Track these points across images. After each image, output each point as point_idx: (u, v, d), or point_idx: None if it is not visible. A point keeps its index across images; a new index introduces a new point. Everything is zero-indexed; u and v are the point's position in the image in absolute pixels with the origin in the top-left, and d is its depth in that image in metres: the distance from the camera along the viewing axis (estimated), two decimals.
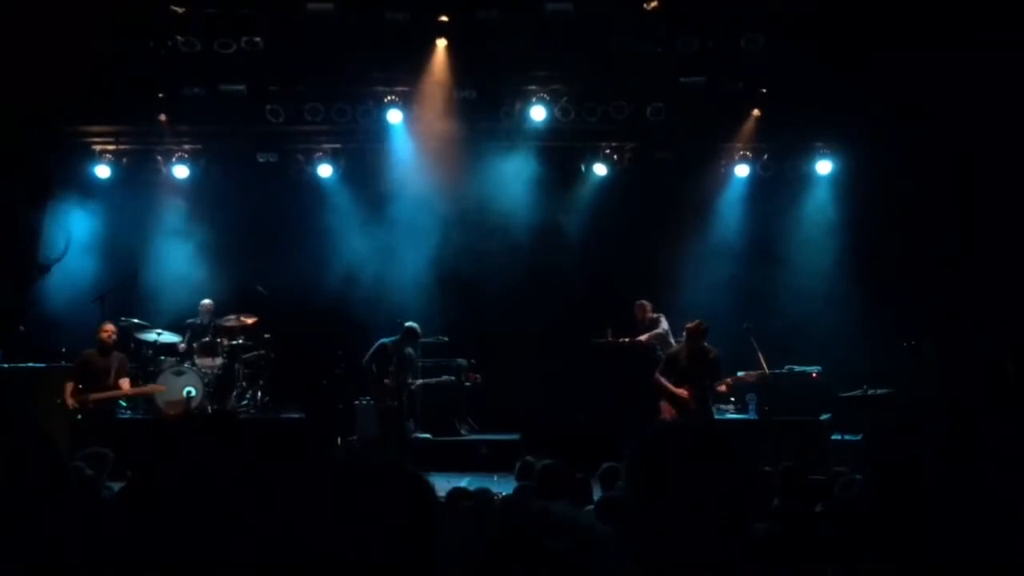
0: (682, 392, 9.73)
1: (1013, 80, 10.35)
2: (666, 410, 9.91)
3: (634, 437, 1.97)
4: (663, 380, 9.88)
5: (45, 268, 11.73)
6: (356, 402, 11.55)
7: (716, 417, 10.71)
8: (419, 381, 11.62)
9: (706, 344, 9.81)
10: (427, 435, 11.71)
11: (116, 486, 4.71)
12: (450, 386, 12.02)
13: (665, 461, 1.90)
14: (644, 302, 12.09)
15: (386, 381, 10.85)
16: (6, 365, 10.62)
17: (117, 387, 10.05)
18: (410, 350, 11.10)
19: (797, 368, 11.22)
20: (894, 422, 10.12)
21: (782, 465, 5.95)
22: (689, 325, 9.89)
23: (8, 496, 1.86)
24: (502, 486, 7.71)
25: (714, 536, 1.83)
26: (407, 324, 10.98)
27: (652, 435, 1.96)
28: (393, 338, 10.96)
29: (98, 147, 12.97)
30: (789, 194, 13.06)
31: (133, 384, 10.45)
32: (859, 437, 10.47)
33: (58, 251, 11.97)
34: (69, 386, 9.71)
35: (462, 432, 11.99)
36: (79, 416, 9.67)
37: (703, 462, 1.87)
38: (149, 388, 10.88)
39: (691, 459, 1.87)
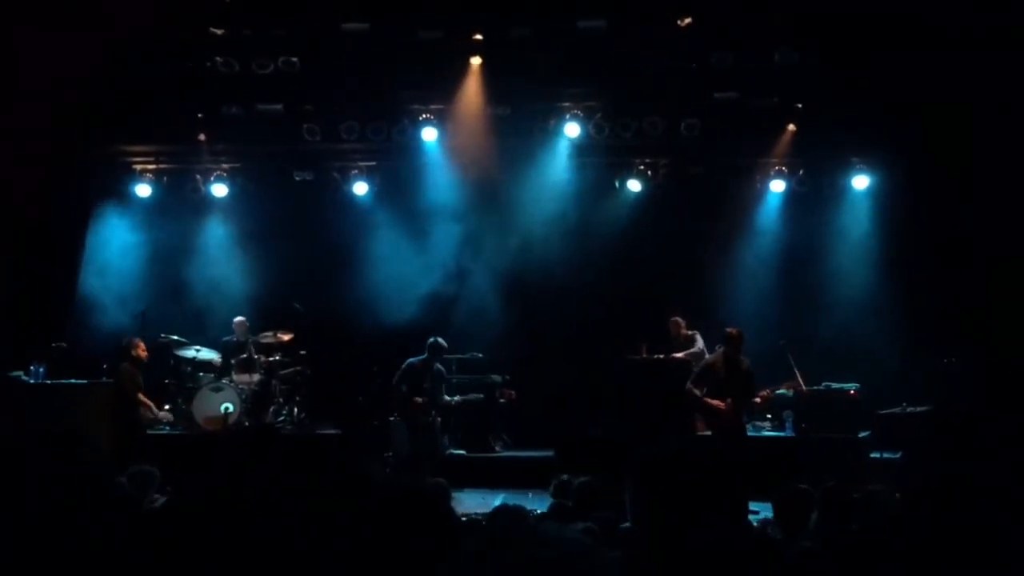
0: (719, 404, 9.61)
1: None
2: (699, 423, 9.83)
3: (633, 460, 1.99)
4: (696, 392, 9.77)
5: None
6: (391, 418, 11.60)
7: (751, 435, 10.62)
8: (456, 398, 11.65)
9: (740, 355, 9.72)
10: (462, 451, 11.74)
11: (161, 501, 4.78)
12: (484, 403, 12.03)
13: (661, 484, 1.92)
14: (678, 319, 12.04)
15: (416, 399, 10.89)
16: (49, 381, 10.80)
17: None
18: (439, 365, 11.15)
19: (835, 385, 11.10)
20: (933, 440, 9.97)
21: (824, 484, 5.88)
22: (731, 331, 9.75)
23: (51, 510, 1.90)
24: (537, 503, 7.69)
25: (712, 555, 1.83)
26: (431, 340, 11.05)
27: (647, 459, 1.98)
28: (421, 356, 11.02)
29: (139, 166, 13.19)
30: (825, 209, 12.94)
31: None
32: (898, 455, 10.32)
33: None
34: (143, 398, 9.86)
35: (496, 449, 11.99)
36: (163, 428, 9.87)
37: (698, 485, 1.88)
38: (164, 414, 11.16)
39: (686, 482, 1.88)
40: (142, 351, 10.18)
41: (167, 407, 11.41)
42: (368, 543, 1.70)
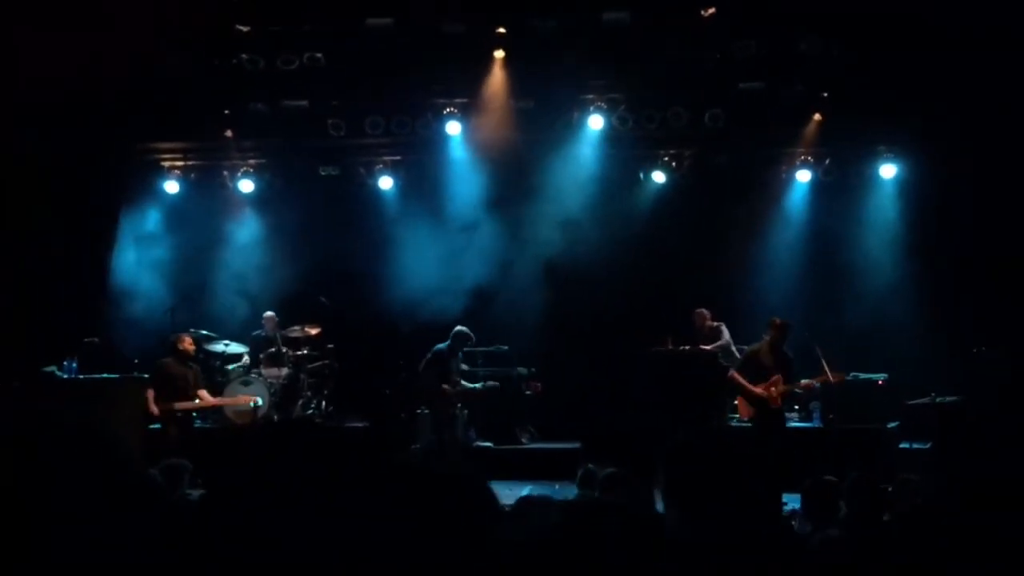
0: (760, 392, 9.66)
1: None
2: (743, 410, 9.87)
3: (667, 448, 1.99)
4: (740, 379, 9.82)
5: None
6: (418, 411, 11.68)
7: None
8: (479, 384, 11.76)
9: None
10: (488, 443, 11.79)
11: (195, 494, 4.85)
12: (510, 395, 12.09)
13: (696, 473, 1.92)
14: (703, 310, 12.01)
15: (445, 387, 11.02)
16: (81, 376, 10.95)
17: (199, 398, 10.23)
18: (460, 354, 11.35)
19: (862, 375, 11.03)
20: (964, 430, 9.90)
21: (851, 475, 5.87)
22: (776, 320, 9.82)
23: (79, 502, 1.94)
24: (563, 494, 7.72)
25: (748, 536, 1.84)
26: (457, 328, 11.18)
27: (683, 447, 1.98)
28: (446, 343, 11.15)
29: (167, 163, 13.32)
30: (852, 199, 12.84)
31: (212, 394, 10.67)
32: (928, 446, 10.25)
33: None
34: (150, 394, 9.87)
35: (523, 441, 12.04)
36: (158, 425, 9.90)
37: (732, 474, 1.89)
38: (231, 400, 11.11)
39: (719, 466, 1.89)
40: (188, 345, 10.22)
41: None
42: (415, 530, 1.73)
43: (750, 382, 9.78)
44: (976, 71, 10.64)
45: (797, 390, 10.11)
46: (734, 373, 9.95)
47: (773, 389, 9.69)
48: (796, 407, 11.58)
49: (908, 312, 11.79)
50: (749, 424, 10.03)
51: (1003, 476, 2.73)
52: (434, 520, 1.81)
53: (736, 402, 10.29)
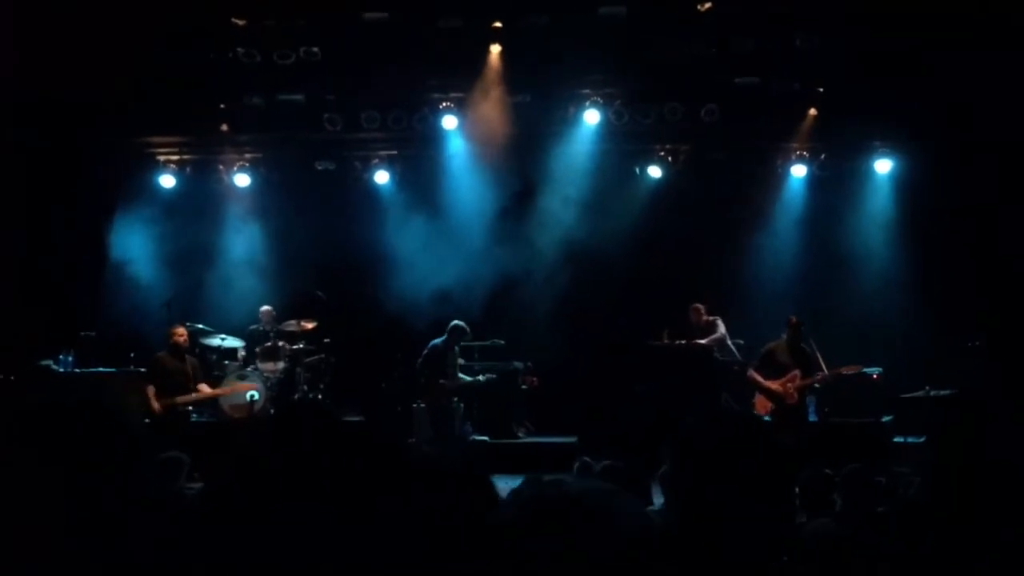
0: (775, 388, 9.73)
1: None
2: (760, 405, 9.92)
3: (677, 438, 1.98)
4: (756, 376, 9.91)
5: None
6: (414, 405, 11.70)
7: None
8: (480, 377, 11.80)
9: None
10: (484, 437, 11.82)
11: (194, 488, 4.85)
12: (507, 389, 12.11)
13: (706, 452, 1.92)
14: (699, 305, 12.04)
15: (442, 382, 11.07)
16: (78, 370, 10.95)
17: (199, 391, 10.12)
18: (456, 349, 11.43)
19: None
20: (957, 423, 9.95)
21: (846, 468, 5.90)
22: (792, 318, 9.91)
23: (92, 490, 1.95)
24: None
25: (758, 527, 1.85)
26: (454, 322, 11.25)
27: (693, 426, 1.97)
28: (442, 338, 11.19)
29: (163, 157, 13.31)
30: (847, 193, 12.88)
31: (211, 387, 10.64)
32: (922, 439, 10.30)
33: None
34: (151, 390, 9.67)
35: (519, 435, 12.07)
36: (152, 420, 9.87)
37: (744, 453, 1.88)
38: (231, 388, 11.06)
39: (731, 450, 1.88)
40: (178, 336, 10.09)
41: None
42: (416, 524, 1.75)
43: (768, 379, 9.86)
44: (971, 66, 10.67)
45: (816, 384, 10.15)
46: (751, 370, 10.05)
47: (789, 385, 9.76)
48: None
49: (903, 306, 11.84)
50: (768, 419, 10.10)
51: (997, 469, 2.76)
52: (436, 513, 1.84)
53: (754, 400, 10.32)
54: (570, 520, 1.42)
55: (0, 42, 9.83)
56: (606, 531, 1.41)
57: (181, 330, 10.14)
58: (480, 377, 11.72)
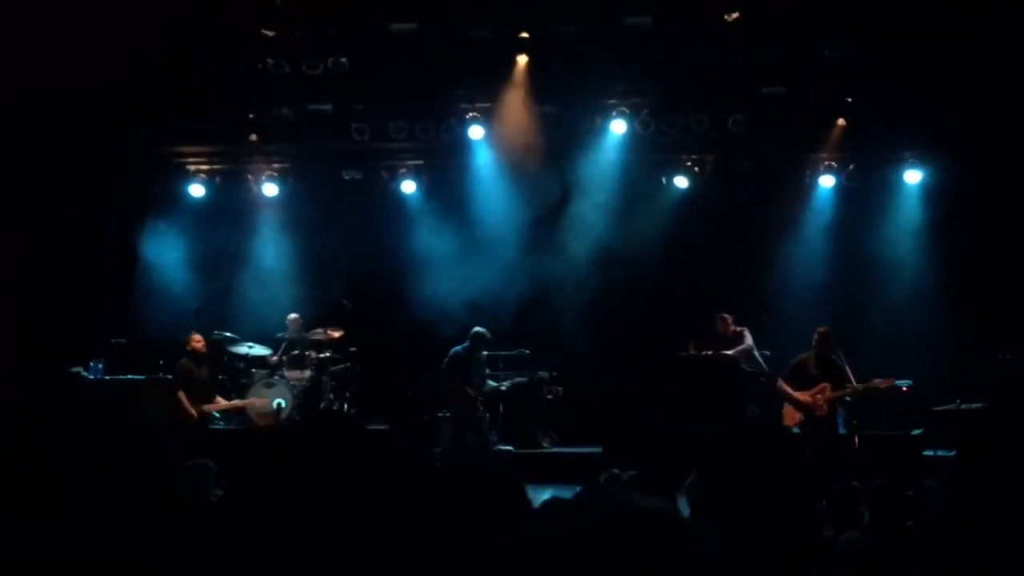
0: (804, 399, 9.65)
1: None
2: (789, 417, 9.85)
3: (705, 452, 1.98)
4: (785, 386, 9.86)
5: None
6: (440, 414, 11.72)
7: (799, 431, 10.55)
8: (505, 383, 11.78)
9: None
10: (509, 447, 11.81)
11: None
12: (532, 398, 12.11)
13: (732, 464, 1.91)
14: (726, 315, 11.97)
15: (468, 390, 11.08)
16: (108, 377, 11.07)
17: (216, 400, 10.29)
18: (482, 356, 11.46)
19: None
20: (989, 438, 9.82)
21: (875, 481, 5.84)
22: (821, 329, 9.84)
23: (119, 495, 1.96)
24: None
25: (786, 539, 1.84)
26: (475, 329, 11.29)
27: (721, 438, 1.97)
28: (464, 345, 11.20)
29: (192, 167, 13.45)
30: (876, 204, 12.75)
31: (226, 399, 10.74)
32: (952, 453, 10.17)
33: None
34: (182, 395, 9.85)
35: (544, 445, 12.05)
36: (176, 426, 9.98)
37: (771, 465, 1.87)
38: (247, 402, 11.17)
39: (758, 462, 1.87)
40: (196, 343, 10.33)
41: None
42: (443, 532, 1.75)
43: (797, 391, 9.78)
44: (1002, 74, 10.56)
45: (848, 397, 10.07)
46: (780, 382, 10.00)
47: (819, 396, 9.70)
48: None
49: (933, 318, 11.69)
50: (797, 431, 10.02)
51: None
52: (467, 521, 1.83)
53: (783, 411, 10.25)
54: (649, 537, 1.43)
55: (36, 49, 9.97)
56: (684, 555, 1.42)
57: (198, 336, 10.40)
58: (504, 384, 11.73)
